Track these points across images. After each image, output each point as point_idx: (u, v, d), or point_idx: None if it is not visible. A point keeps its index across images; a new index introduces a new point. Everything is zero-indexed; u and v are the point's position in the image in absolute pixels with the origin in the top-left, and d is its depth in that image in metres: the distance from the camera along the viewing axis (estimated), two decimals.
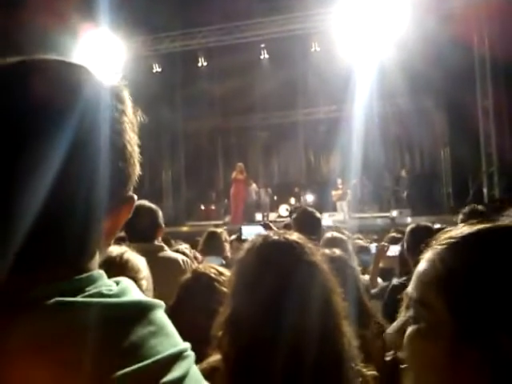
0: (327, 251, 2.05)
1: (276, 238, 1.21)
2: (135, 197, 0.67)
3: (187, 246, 4.40)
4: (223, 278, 1.73)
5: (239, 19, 12.79)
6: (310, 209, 3.55)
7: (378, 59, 11.68)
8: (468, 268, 0.66)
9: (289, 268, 1.14)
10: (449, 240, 0.71)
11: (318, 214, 3.45)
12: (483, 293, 0.63)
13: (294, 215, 3.50)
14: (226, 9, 12.50)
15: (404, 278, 2.99)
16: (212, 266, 1.83)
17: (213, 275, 1.75)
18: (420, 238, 2.82)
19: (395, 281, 3.05)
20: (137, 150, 0.66)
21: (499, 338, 0.61)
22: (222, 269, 1.82)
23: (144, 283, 1.55)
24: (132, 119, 0.66)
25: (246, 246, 1.24)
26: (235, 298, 1.17)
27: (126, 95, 0.66)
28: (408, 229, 3.24)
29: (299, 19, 12.50)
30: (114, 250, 1.51)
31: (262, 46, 13.79)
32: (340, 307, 1.16)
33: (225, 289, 1.66)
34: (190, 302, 1.70)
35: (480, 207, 3.65)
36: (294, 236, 1.23)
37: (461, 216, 3.65)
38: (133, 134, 0.66)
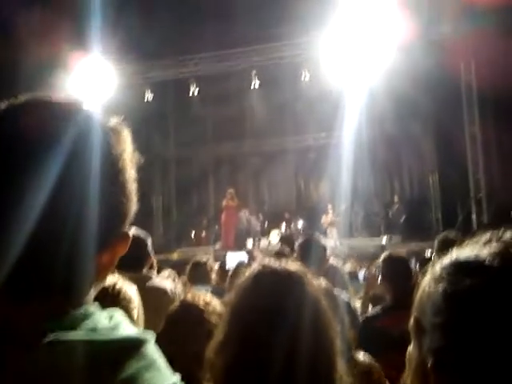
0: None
1: (275, 267, 1.22)
2: (130, 233, 0.69)
3: (172, 272, 4.38)
4: (211, 308, 1.72)
5: (231, 47, 12.98)
6: (316, 236, 3.55)
7: (367, 86, 11.85)
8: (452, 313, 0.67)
9: (283, 299, 1.14)
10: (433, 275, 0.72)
11: (323, 242, 3.46)
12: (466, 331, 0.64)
13: (299, 241, 3.50)
14: (217, 37, 12.69)
15: (378, 308, 2.97)
16: (200, 296, 1.81)
17: (201, 306, 1.74)
18: (393, 269, 2.82)
19: (369, 312, 3.02)
20: (135, 187, 0.68)
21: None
22: (210, 298, 1.81)
23: (135, 313, 1.55)
24: (131, 157, 0.68)
25: (246, 272, 1.25)
26: (229, 323, 1.17)
27: (127, 134, 0.68)
28: (381, 258, 3.18)
29: (289, 47, 12.71)
30: (107, 279, 1.50)
31: (253, 73, 13.97)
32: (334, 343, 1.15)
33: (213, 319, 1.65)
34: (178, 332, 1.68)
35: (452, 235, 3.69)
36: (294, 266, 1.24)
37: (436, 243, 3.66)
38: (132, 172, 0.68)
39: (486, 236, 0.71)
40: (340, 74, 12.15)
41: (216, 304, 1.77)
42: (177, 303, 1.83)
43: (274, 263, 1.24)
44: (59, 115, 0.63)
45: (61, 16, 10.02)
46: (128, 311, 1.51)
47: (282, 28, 12.26)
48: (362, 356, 1.95)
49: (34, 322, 0.56)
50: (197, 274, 3.86)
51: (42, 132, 0.60)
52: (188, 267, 4.03)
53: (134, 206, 0.68)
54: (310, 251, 3.26)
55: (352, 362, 1.81)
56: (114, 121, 0.69)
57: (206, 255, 5.31)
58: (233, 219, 13.40)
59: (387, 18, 10.71)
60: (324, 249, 3.44)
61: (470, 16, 10.53)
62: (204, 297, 1.81)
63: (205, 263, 4.00)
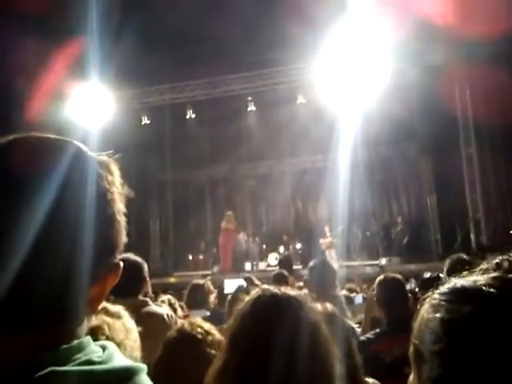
0: (319, 306, 2.03)
1: (274, 292, 1.22)
2: (121, 264, 0.69)
3: (170, 297, 4.36)
4: (210, 338, 1.70)
5: (226, 73, 13.15)
6: (328, 261, 3.55)
7: (362, 110, 11.97)
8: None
9: (282, 325, 1.14)
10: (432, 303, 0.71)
11: (334, 267, 3.45)
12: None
13: (310, 265, 3.50)
14: (212, 63, 12.86)
15: (373, 333, 2.93)
16: (199, 324, 1.79)
17: (198, 334, 1.71)
18: (388, 293, 2.79)
19: (364, 337, 2.98)
20: (124, 218, 0.69)
21: None
22: (208, 326, 1.79)
23: (132, 344, 1.53)
24: (120, 190, 0.69)
25: (246, 298, 1.26)
26: (228, 349, 1.17)
27: (115, 168, 0.70)
28: (377, 281, 3.15)
29: (284, 72, 12.89)
30: (109, 306, 1.50)
31: (249, 98, 14.12)
32: (334, 368, 1.14)
33: (211, 347, 1.64)
34: (176, 359, 1.66)
35: (466, 257, 3.66)
36: (294, 292, 1.24)
37: (447, 262, 3.63)
38: (121, 204, 0.69)
39: (489, 262, 0.71)
40: (335, 98, 12.28)
41: (214, 332, 1.75)
42: (174, 331, 1.80)
43: (273, 289, 1.24)
44: (50, 150, 0.64)
45: (58, 43, 10.15)
46: (127, 330, 1.50)
47: (277, 54, 12.45)
48: (371, 380, 1.93)
49: (27, 354, 0.56)
50: (195, 297, 3.87)
51: (33, 166, 0.61)
52: (186, 290, 4.02)
53: (123, 238, 0.69)
54: (320, 275, 3.25)
55: None
56: (103, 154, 0.71)
57: (204, 278, 5.28)
58: (231, 242, 13.37)
59: (381, 42, 10.88)
60: (334, 273, 3.43)
61: (464, 45, 10.73)
62: (202, 324, 1.78)
63: (203, 286, 4.00)
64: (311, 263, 3.56)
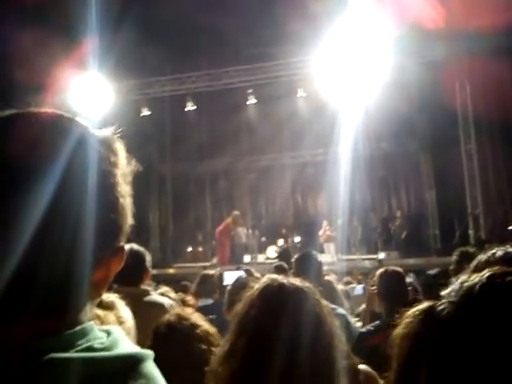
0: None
1: (282, 281, 1.24)
2: (126, 247, 0.67)
3: (168, 288, 4.38)
4: (197, 331, 1.69)
5: (227, 65, 13.11)
6: (312, 252, 3.55)
7: (362, 104, 11.96)
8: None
9: (288, 313, 1.16)
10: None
11: (319, 258, 3.46)
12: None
13: (296, 256, 3.51)
14: (214, 55, 12.83)
15: (372, 325, 2.94)
16: (186, 317, 1.76)
17: (185, 329, 1.69)
18: (387, 286, 2.76)
19: (363, 329, 2.99)
20: (129, 200, 0.67)
21: None
22: (195, 318, 1.77)
23: (128, 324, 1.53)
24: (125, 170, 0.66)
25: (255, 285, 1.27)
26: (235, 333, 1.19)
27: (119, 146, 0.67)
28: (377, 274, 3.15)
29: (285, 66, 12.85)
30: (103, 297, 1.49)
31: (250, 91, 14.08)
32: (337, 360, 1.15)
33: (198, 344, 1.64)
34: (161, 356, 1.66)
35: (471, 249, 3.63)
36: (302, 283, 1.26)
37: (455, 257, 3.59)
38: (125, 186, 0.66)
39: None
40: (336, 92, 12.26)
41: (202, 323, 1.75)
42: (162, 323, 1.77)
43: (281, 279, 1.26)
44: (49, 127, 0.62)
45: (58, 34, 10.10)
46: (120, 321, 1.50)
47: (278, 47, 12.41)
48: (363, 366, 1.95)
49: (29, 341, 0.55)
50: (204, 287, 3.95)
51: (33, 146, 0.59)
52: (196, 280, 4.10)
53: (128, 221, 0.67)
54: (306, 266, 3.26)
55: (355, 371, 1.81)
56: (106, 132, 0.67)
57: (205, 269, 5.34)
58: (228, 238, 13.32)
59: (382, 37, 10.85)
60: (320, 264, 3.44)
61: (465, 39, 10.70)
62: (189, 317, 1.77)
63: (212, 276, 4.07)
64: (296, 256, 3.57)
